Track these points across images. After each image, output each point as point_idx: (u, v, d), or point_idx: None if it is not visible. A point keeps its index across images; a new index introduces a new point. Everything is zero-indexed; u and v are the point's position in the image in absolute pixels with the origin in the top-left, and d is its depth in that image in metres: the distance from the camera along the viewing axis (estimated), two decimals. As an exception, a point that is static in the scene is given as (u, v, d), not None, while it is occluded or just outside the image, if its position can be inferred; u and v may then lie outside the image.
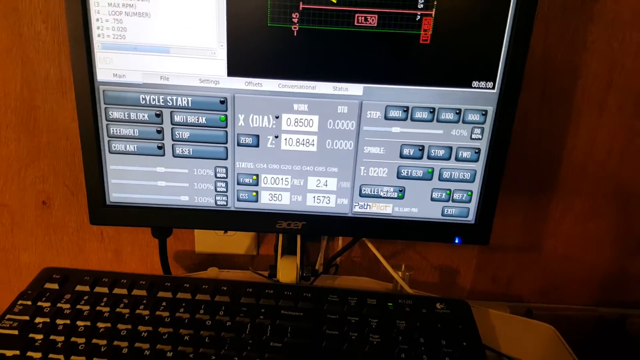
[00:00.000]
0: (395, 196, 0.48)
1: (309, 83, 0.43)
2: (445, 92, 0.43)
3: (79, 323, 0.42)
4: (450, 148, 0.46)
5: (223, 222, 0.49)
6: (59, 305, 0.44)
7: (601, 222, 0.65)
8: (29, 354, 0.39)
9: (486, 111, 0.44)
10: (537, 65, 0.57)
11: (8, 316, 0.42)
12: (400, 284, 0.55)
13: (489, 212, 0.48)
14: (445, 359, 0.42)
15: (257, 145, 0.45)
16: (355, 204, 0.48)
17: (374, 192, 0.47)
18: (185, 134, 0.45)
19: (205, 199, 0.48)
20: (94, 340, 0.41)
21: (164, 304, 0.45)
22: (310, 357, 0.41)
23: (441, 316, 0.46)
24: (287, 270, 0.54)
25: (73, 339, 0.41)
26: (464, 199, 0.48)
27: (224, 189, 0.47)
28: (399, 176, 0.47)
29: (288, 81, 0.43)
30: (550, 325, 0.54)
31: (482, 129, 0.45)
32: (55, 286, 0.46)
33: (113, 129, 0.45)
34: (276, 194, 0.48)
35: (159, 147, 0.45)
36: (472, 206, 0.48)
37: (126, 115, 0.44)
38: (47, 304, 0.44)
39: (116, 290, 0.46)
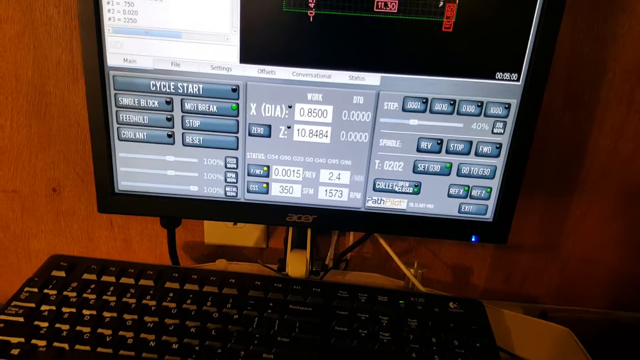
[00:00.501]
0: (411, 191, 0.46)
1: (324, 72, 0.42)
2: (467, 83, 0.42)
3: (84, 312, 0.42)
4: (470, 142, 0.44)
5: (232, 213, 0.48)
6: (65, 293, 0.43)
7: (622, 224, 0.63)
8: (34, 341, 0.39)
9: (509, 104, 0.43)
10: (562, 58, 0.55)
11: (14, 303, 0.42)
12: (413, 281, 0.53)
13: (508, 211, 0.46)
14: (458, 360, 0.40)
15: (269, 136, 0.44)
16: (368, 198, 0.47)
17: (388, 186, 0.46)
18: (196, 122, 0.44)
19: (215, 190, 0.47)
20: (99, 330, 0.40)
21: (171, 294, 0.44)
22: (318, 353, 0.40)
23: (454, 316, 0.45)
24: (297, 264, 0.53)
25: (78, 327, 0.40)
26: (482, 195, 0.46)
27: (234, 180, 0.46)
28: (415, 171, 0.45)
29: (302, 69, 0.41)
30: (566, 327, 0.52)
31: (505, 123, 0.43)
32: (62, 274, 0.46)
33: (122, 116, 0.44)
34: (287, 186, 0.46)
35: (169, 136, 0.44)
36: (491, 204, 0.46)
37: (136, 102, 0.43)
38: (54, 292, 0.43)
39: (123, 280, 0.46)
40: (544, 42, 0.40)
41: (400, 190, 0.46)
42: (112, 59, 0.42)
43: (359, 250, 0.66)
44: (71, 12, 0.53)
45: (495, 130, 0.44)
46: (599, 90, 0.57)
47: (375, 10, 0.39)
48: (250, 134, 0.44)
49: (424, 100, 0.42)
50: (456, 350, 0.41)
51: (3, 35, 0.54)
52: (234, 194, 0.47)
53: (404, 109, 0.43)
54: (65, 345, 0.39)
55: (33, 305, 0.42)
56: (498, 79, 0.42)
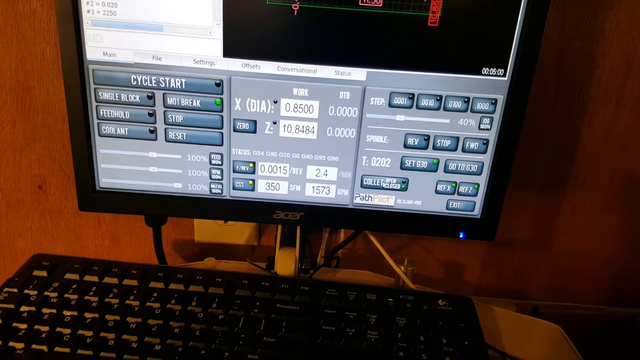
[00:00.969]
0: (398, 188, 0.45)
1: (310, 66, 0.41)
2: (453, 78, 0.41)
3: (65, 312, 0.41)
4: (457, 138, 0.43)
5: (218, 211, 0.47)
6: (46, 293, 0.42)
7: (613, 219, 0.63)
8: (11, 344, 0.38)
9: (496, 100, 0.42)
10: (551, 54, 0.55)
11: (-7, 303, 0.41)
12: (403, 278, 0.53)
13: (495, 207, 0.46)
14: (446, 358, 0.40)
15: (254, 131, 0.43)
16: (356, 195, 0.46)
17: (376, 183, 0.45)
18: (179, 117, 0.43)
19: (200, 187, 0.46)
20: (80, 331, 0.39)
21: (155, 294, 0.43)
22: (305, 353, 0.40)
23: (443, 313, 0.45)
24: (285, 263, 0.52)
25: (58, 329, 0.39)
26: (470, 192, 0.45)
27: (219, 177, 0.45)
28: (402, 167, 0.45)
29: (287, 64, 0.41)
30: (557, 324, 0.52)
31: (491, 119, 0.43)
32: (44, 274, 0.45)
33: (103, 111, 0.43)
34: (274, 183, 0.46)
35: (151, 131, 0.43)
36: (479, 200, 0.46)
37: (117, 97, 0.42)
38: (34, 292, 0.42)
39: (106, 280, 0.45)
40: (530, 37, 0.40)
41: (388, 187, 0.45)
42: (92, 52, 0.41)
43: (351, 248, 0.65)
44: (55, 5, 0.52)
45: (482, 126, 0.43)
46: (589, 86, 0.57)
47: (360, 4, 0.38)
48: (235, 130, 0.43)
49: (410, 96, 0.42)
50: (444, 349, 0.41)
51: (-16, 29, 0.53)
52: (220, 191, 0.46)
53: (390, 105, 0.42)
54: (44, 347, 0.38)
55: (12, 306, 0.41)
56: (484, 75, 0.41)
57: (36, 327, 0.39)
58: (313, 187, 0.46)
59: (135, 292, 0.43)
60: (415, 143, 0.44)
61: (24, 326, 0.39)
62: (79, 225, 0.64)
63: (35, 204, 0.62)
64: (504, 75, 0.41)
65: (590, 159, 0.60)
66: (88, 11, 0.40)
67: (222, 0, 0.39)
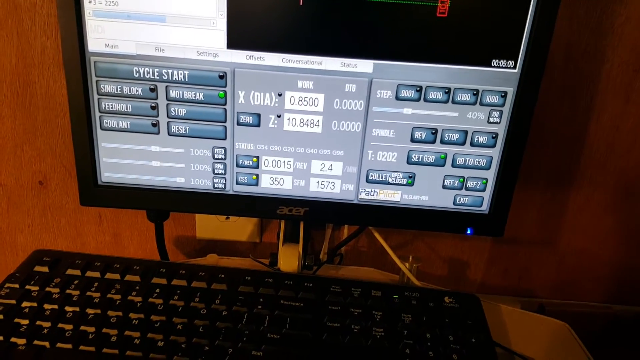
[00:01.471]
0: (405, 183, 0.45)
1: (315, 58, 0.40)
2: (462, 70, 0.40)
3: (67, 308, 0.40)
4: (466, 132, 0.43)
5: (221, 206, 0.46)
6: (47, 289, 0.42)
7: (619, 217, 0.63)
8: (13, 339, 0.37)
9: (506, 93, 0.41)
10: (559, 48, 0.54)
11: (-6, 299, 0.41)
12: (407, 275, 0.52)
13: (504, 202, 0.45)
14: (453, 356, 0.39)
15: (258, 125, 0.43)
16: (361, 190, 0.45)
17: (381, 178, 0.45)
18: (182, 110, 0.42)
19: (202, 182, 0.45)
20: (82, 327, 0.39)
21: (157, 290, 0.43)
22: (309, 350, 0.39)
23: (449, 310, 0.44)
24: (289, 259, 0.51)
25: (60, 325, 0.39)
26: (478, 187, 0.45)
27: (222, 171, 0.45)
28: (409, 161, 0.44)
29: (292, 55, 0.40)
30: (564, 322, 0.51)
31: (501, 112, 0.42)
32: (46, 269, 0.44)
33: (105, 104, 0.42)
34: (278, 178, 0.45)
35: (154, 125, 0.43)
36: (487, 195, 0.45)
37: (119, 89, 0.41)
38: (36, 288, 0.42)
39: (108, 275, 0.44)
40: (541, 28, 0.39)
41: (394, 182, 0.45)
42: (93, 44, 0.40)
43: (354, 244, 0.65)
44: (55, -1, 0.51)
45: (491, 120, 0.42)
46: (597, 82, 0.56)
47: (367, -7, 0.38)
48: (238, 123, 0.43)
49: (418, 89, 0.41)
50: (451, 346, 0.40)
51: (-16, 22, 0.52)
52: (223, 186, 0.45)
53: (397, 98, 0.41)
54: (46, 344, 0.37)
55: (14, 302, 0.40)
56: (494, 67, 0.40)
57: (38, 322, 0.39)
58: (318, 182, 0.45)
59: (137, 288, 0.43)
60: (423, 137, 0.43)
61: (26, 322, 0.39)
62: (80, 222, 0.63)
63: (36, 199, 0.62)
64: (514, 67, 0.40)
65: (597, 157, 0.59)
66: (89, 1, 0.39)
67: (226, -9, 0.38)
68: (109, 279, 0.44)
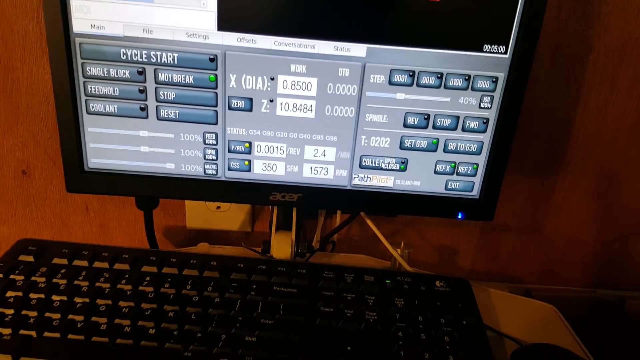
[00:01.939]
0: (397, 168, 0.45)
1: (308, 41, 0.40)
2: (454, 55, 0.40)
3: (54, 297, 0.39)
4: (457, 117, 0.43)
5: (212, 192, 0.45)
6: (33, 278, 0.41)
7: (604, 203, 0.64)
8: (-2, 329, 0.36)
9: (497, 78, 0.41)
10: (547, 37, 0.55)
11: (-23, 290, 0.39)
12: (399, 261, 0.53)
13: (494, 187, 0.45)
14: (445, 338, 0.40)
15: (250, 110, 0.42)
16: (354, 176, 0.45)
17: (374, 163, 0.44)
18: (171, 94, 0.41)
19: (193, 167, 0.44)
20: (70, 316, 0.38)
21: (147, 278, 0.42)
22: (303, 335, 0.39)
23: (441, 294, 0.44)
24: (282, 246, 0.51)
25: (47, 314, 0.38)
26: (469, 172, 0.45)
27: (214, 157, 0.44)
28: (401, 147, 0.44)
29: (285, 38, 0.39)
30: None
31: (492, 98, 0.42)
32: (31, 258, 0.43)
33: (91, 87, 0.41)
34: (270, 164, 0.44)
35: (142, 109, 0.42)
36: (477, 180, 0.45)
37: (105, 72, 0.40)
38: (21, 277, 0.41)
39: (96, 264, 0.43)
40: (532, 14, 0.39)
41: (387, 167, 0.45)
42: (78, 24, 0.39)
43: (345, 232, 0.65)
44: (37, -24, 0.50)
45: (482, 105, 0.42)
46: (584, 70, 0.57)
47: (361, -25, 0.37)
48: (230, 108, 0.42)
49: (411, 73, 0.41)
50: (443, 329, 0.41)
51: (-39, 4, 0.50)
52: (214, 172, 0.45)
53: (390, 82, 0.41)
54: (33, 333, 0.36)
55: (-2, 291, 0.39)
56: (486, 52, 0.40)
57: (24, 312, 0.38)
58: (311, 167, 0.45)
59: (127, 276, 0.42)
60: (415, 122, 0.43)
61: (11, 312, 0.38)
62: (66, 212, 0.62)
63: (20, 189, 0.60)
64: (505, 52, 0.40)
65: (583, 144, 0.60)
66: (74, -20, 0.38)
67: (217, -29, 0.37)
68: (97, 268, 0.43)
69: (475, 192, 0.46)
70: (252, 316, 0.40)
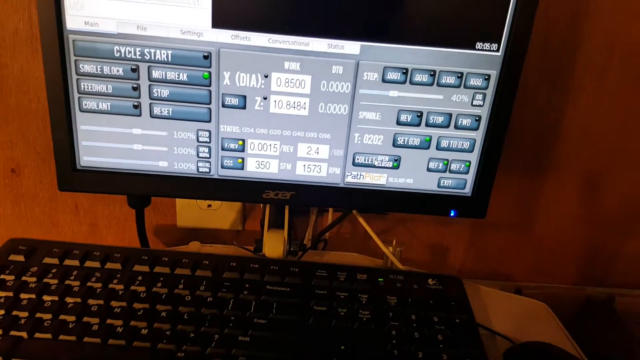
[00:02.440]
0: (390, 166, 0.45)
1: (302, 39, 0.40)
2: (447, 53, 0.41)
3: (45, 298, 0.39)
4: (450, 115, 0.43)
5: (205, 191, 0.45)
6: (23, 278, 0.40)
7: (593, 201, 0.65)
8: (-13, 330, 0.36)
9: (489, 76, 0.42)
10: (536, 35, 0.55)
11: (-34, 290, 0.39)
12: (391, 259, 0.53)
13: (486, 184, 0.46)
14: (438, 336, 0.40)
15: (244, 107, 0.42)
16: (347, 173, 0.45)
17: (368, 161, 0.45)
18: (164, 92, 0.41)
19: (186, 165, 0.44)
20: (62, 317, 0.37)
21: (140, 278, 0.42)
22: (297, 334, 0.39)
23: (433, 292, 0.45)
24: (274, 244, 0.51)
25: (38, 314, 0.37)
26: (461, 169, 0.45)
27: (207, 155, 0.44)
28: (394, 144, 0.44)
29: (279, 36, 0.39)
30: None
31: (484, 95, 0.43)
32: (21, 258, 0.42)
33: (84, 85, 0.41)
34: (264, 162, 0.44)
35: (135, 106, 0.41)
36: (470, 177, 0.46)
37: (99, 69, 0.40)
38: (11, 277, 0.40)
39: (88, 264, 0.43)
40: (524, 12, 0.40)
41: (380, 165, 0.45)
42: (72, 21, 0.38)
43: (337, 231, 0.65)
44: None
45: (474, 102, 0.43)
46: (573, 69, 0.58)
47: (354, -27, 0.37)
48: (223, 105, 0.42)
49: (404, 71, 0.41)
50: (436, 327, 0.41)
51: (-51, 0, 0.50)
52: (207, 170, 0.44)
53: (384, 80, 0.41)
54: (24, 334, 0.36)
55: (-13, 291, 0.39)
56: (478, 49, 0.41)
57: (14, 313, 0.37)
58: (304, 165, 0.45)
59: (119, 276, 0.42)
60: (408, 120, 0.43)
61: (1, 312, 0.37)
62: (55, 211, 0.61)
63: (9, 188, 0.59)
64: (498, 50, 0.41)
65: (573, 143, 0.61)
66: (66, -24, 0.37)
67: (210, -32, 0.37)
68: (89, 267, 0.42)
69: (468, 190, 0.46)
70: (245, 315, 0.39)
